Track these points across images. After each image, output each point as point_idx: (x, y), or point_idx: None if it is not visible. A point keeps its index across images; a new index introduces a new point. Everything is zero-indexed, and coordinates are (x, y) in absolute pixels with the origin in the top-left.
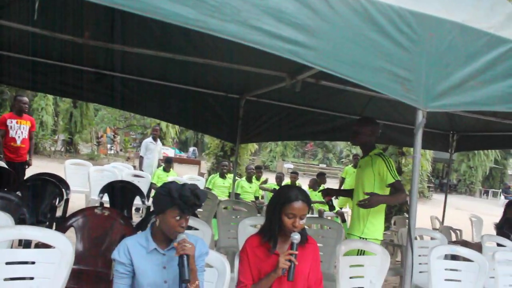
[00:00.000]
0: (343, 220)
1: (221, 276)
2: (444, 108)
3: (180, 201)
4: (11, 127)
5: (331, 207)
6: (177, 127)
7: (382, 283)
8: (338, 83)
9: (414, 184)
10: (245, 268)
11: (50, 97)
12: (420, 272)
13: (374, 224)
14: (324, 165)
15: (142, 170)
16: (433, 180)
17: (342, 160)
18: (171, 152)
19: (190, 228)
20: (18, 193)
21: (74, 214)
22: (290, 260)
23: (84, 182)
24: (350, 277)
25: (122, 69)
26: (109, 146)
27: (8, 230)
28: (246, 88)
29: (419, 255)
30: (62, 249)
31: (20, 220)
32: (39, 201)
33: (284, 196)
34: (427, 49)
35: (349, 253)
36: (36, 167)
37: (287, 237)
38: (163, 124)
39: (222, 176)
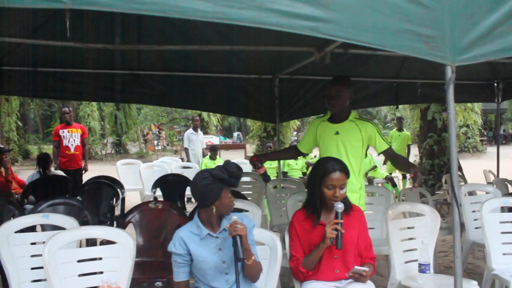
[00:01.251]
0: (394, 185)
1: (273, 252)
2: (474, 60)
3: (231, 178)
4: (63, 136)
5: (266, 177)
6: (218, 115)
7: (435, 242)
8: (367, 49)
9: (452, 140)
10: (295, 242)
11: (94, 103)
12: (476, 228)
13: (363, 197)
14: None
15: (190, 161)
16: (485, 133)
17: (387, 125)
18: (216, 140)
19: (240, 210)
20: (78, 197)
21: (131, 211)
22: (336, 229)
23: (137, 180)
24: (402, 240)
25: (155, 67)
26: (155, 142)
27: (75, 231)
28: (278, 67)
29: (473, 211)
30: (124, 244)
31: (83, 222)
32: (98, 203)
33: (322, 169)
34: (448, 2)
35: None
36: (91, 171)
37: (330, 208)
38: (204, 113)
39: None
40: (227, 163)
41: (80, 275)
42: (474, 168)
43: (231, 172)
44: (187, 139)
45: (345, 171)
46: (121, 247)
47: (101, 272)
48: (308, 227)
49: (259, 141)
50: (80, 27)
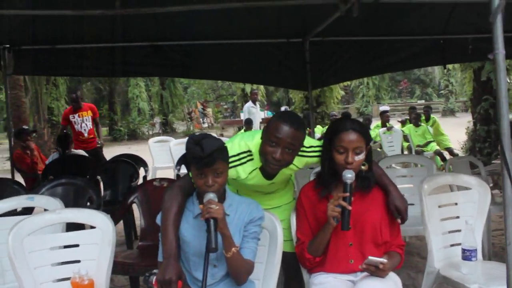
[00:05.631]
0: (443, 160)
1: (273, 237)
2: None
3: (189, 156)
4: (75, 122)
5: None
6: (262, 88)
7: (484, 221)
8: None
9: (502, 91)
10: (302, 221)
11: (142, 84)
12: None
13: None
14: (423, 101)
15: None
16: None
17: (441, 92)
18: (261, 114)
19: None
20: (99, 177)
21: (134, 191)
22: (341, 206)
23: (169, 157)
24: (442, 219)
25: (174, 37)
26: (201, 119)
27: (46, 215)
28: (306, 28)
29: None
30: (102, 228)
31: (89, 202)
32: (118, 182)
33: (333, 128)
34: None
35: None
36: (135, 151)
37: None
38: (248, 88)
39: None
40: (190, 137)
41: (53, 265)
42: None
43: (188, 148)
44: (247, 112)
45: (363, 133)
46: (100, 232)
47: (79, 261)
48: (316, 201)
49: (301, 113)
50: None
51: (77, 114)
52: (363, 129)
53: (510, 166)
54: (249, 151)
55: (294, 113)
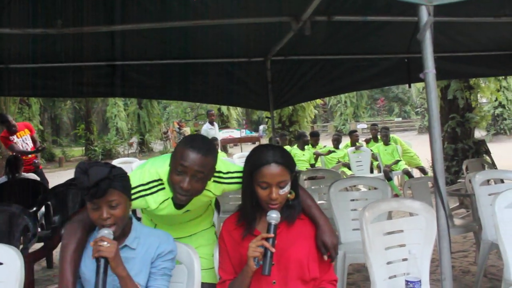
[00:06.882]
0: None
1: (191, 273)
2: None
3: (78, 186)
4: (15, 143)
5: None
6: (238, 108)
7: (432, 250)
8: (353, 15)
9: (433, 111)
10: (224, 259)
11: (121, 103)
12: None
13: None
14: (400, 119)
15: None
16: None
17: (417, 110)
18: (236, 134)
19: None
20: (49, 202)
21: (70, 218)
22: (264, 247)
23: None
24: (386, 248)
25: (132, 56)
26: (179, 139)
27: None
28: (267, 47)
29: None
30: (9, 265)
31: (24, 229)
32: (66, 207)
33: (253, 160)
34: None
35: None
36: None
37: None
38: (224, 107)
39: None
40: (78, 165)
41: None
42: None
43: (76, 178)
44: (206, 133)
45: (286, 165)
46: (5, 269)
47: None
48: (239, 238)
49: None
50: (19, 10)
51: (15, 136)
52: (285, 159)
53: (443, 194)
54: (160, 179)
55: (202, 137)
